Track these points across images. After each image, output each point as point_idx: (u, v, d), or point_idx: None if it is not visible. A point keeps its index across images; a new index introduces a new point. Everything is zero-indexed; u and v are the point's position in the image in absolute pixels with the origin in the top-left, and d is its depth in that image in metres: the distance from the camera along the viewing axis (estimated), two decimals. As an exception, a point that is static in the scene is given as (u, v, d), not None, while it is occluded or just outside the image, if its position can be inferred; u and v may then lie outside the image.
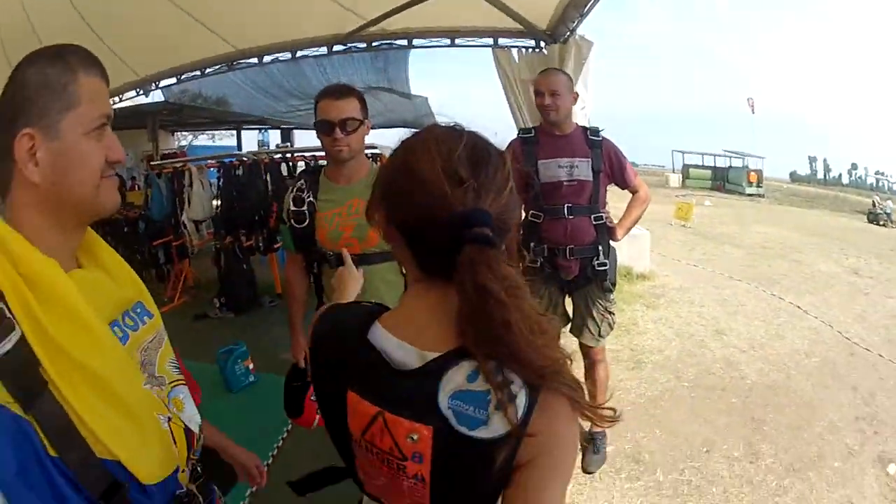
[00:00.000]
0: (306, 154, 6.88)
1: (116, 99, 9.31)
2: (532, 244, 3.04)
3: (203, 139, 19.49)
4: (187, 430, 1.03)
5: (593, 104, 5.48)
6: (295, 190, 2.27)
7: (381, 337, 0.87)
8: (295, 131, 13.86)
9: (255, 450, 1.46)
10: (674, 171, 31.56)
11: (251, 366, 4.18)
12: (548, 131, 3.08)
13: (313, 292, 2.37)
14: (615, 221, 3.16)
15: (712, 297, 6.55)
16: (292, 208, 2.22)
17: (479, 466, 0.79)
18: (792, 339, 5.21)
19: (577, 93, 3.11)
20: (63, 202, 0.93)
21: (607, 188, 3.18)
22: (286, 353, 2.45)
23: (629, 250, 6.60)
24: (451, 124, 0.90)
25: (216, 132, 18.71)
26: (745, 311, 6.06)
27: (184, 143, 19.00)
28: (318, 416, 2.12)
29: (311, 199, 2.21)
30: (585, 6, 4.85)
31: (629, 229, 3.26)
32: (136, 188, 10.51)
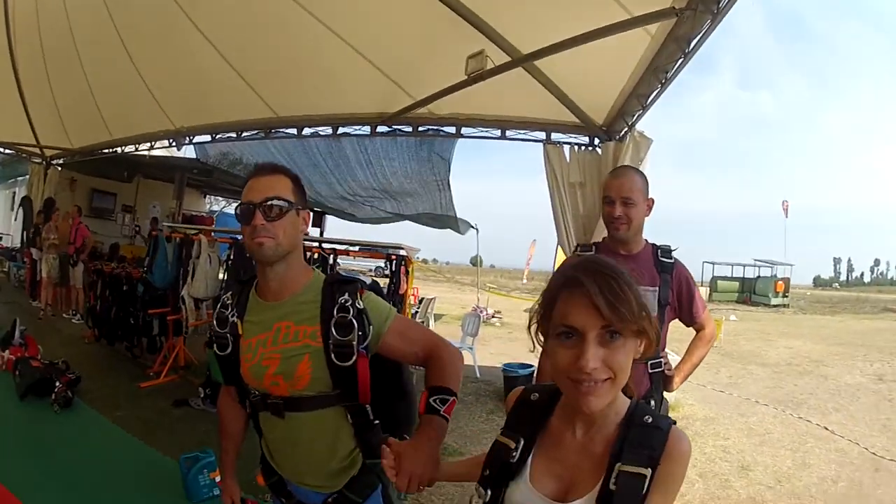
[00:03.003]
0: (335, 246, 6.14)
1: (148, 145, 10.16)
2: None
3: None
4: None
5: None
6: (220, 305, 1.98)
7: None
8: (328, 217, 13.46)
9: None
10: (702, 284, 35.23)
11: (218, 478, 3.99)
12: (612, 249, 2.81)
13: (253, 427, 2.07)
14: (672, 367, 2.89)
15: (738, 426, 7.06)
16: (216, 329, 1.92)
17: None
18: (819, 466, 5.67)
19: (652, 199, 2.83)
20: None
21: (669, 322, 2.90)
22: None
23: (652, 379, 6.93)
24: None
25: None
26: (771, 439, 6.57)
27: (216, 207, 19.92)
28: None
29: (235, 318, 1.90)
30: (649, 97, 4.83)
31: (688, 376, 2.95)
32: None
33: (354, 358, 1.74)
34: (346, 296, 1.78)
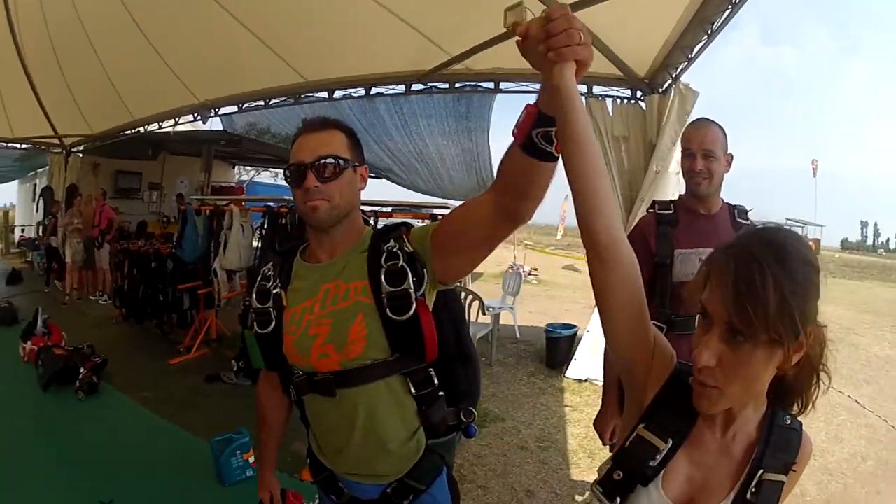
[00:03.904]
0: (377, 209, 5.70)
1: (172, 122, 10.12)
2: None
3: (266, 176, 20.54)
4: None
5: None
6: (259, 278, 1.76)
7: None
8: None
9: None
10: (734, 243, 37.11)
11: (252, 458, 3.93)
12: (690, 208, 2.66)
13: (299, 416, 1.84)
14: None
15: None
16: (256, 305, 1.72)
17: None
18: (850, 441, 5.60)
19: (731, 154, 2.67)
20: None
21: None
22: (301, 441, 1.99)
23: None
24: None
25: (280, 170, 19.28)
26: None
27: (245, 177, 20.07)
28: None
29: (279, 289, 1.69)
30: (694, 48, 4.76)
31: None
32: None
33: (414, 307, 1.53)
34: (392, 242, 1.60)
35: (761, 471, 1.07)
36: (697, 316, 1.08)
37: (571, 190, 1.10)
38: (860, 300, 17.20)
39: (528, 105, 1.30)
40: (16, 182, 20.74)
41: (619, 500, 1.13)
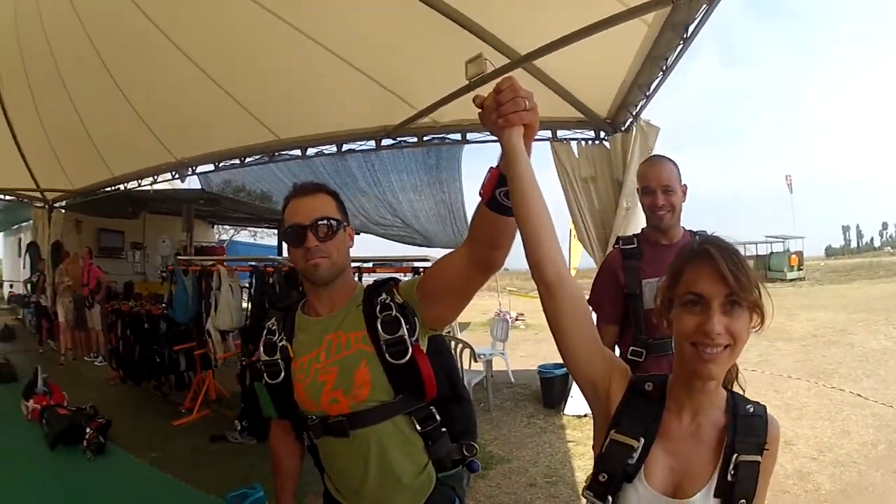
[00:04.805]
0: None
1: (150, 179, 10.07)
2: None
3: (245, 235, 20.61)
4: None
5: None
6: (266, 332, 1.91)
7: None
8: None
9: None
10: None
11: None
12: (652, 240, 2.81)
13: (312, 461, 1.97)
14: None
15: (775, 402, 7.07)
16: (264, 357, 1.86)
17: None
18: (858, 433, 5.81)
19: (685, 185, 2.81)
20: None
21: None
22: (314, 494, 2.11)
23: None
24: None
25: (258, 229, 19.71)
26: (808, 412, 6.70)
27: (224, 237, 20.05)
28: None
29: (285, 342, 1.84)
30: (651, 85, 4.89)
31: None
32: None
33: (410, 352, 1.70)
34: (384, 295, 1.78)
35: (736, 454, 1.24)
36: (686, 305, 1.26)
37: (521, 235, 1.35)
38: (850, 302, 17.36)
39: (492, 168, 1.52)
40: (0, 235, 20.63)
41: (610, 499, 1.28)
